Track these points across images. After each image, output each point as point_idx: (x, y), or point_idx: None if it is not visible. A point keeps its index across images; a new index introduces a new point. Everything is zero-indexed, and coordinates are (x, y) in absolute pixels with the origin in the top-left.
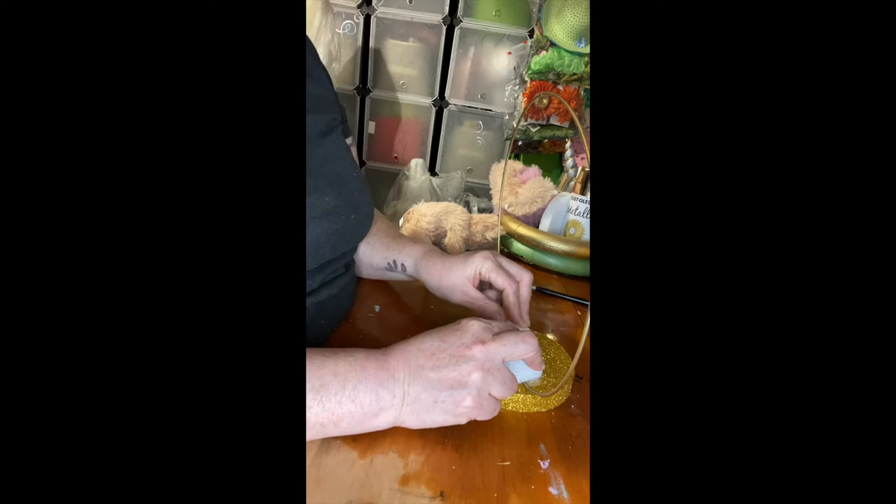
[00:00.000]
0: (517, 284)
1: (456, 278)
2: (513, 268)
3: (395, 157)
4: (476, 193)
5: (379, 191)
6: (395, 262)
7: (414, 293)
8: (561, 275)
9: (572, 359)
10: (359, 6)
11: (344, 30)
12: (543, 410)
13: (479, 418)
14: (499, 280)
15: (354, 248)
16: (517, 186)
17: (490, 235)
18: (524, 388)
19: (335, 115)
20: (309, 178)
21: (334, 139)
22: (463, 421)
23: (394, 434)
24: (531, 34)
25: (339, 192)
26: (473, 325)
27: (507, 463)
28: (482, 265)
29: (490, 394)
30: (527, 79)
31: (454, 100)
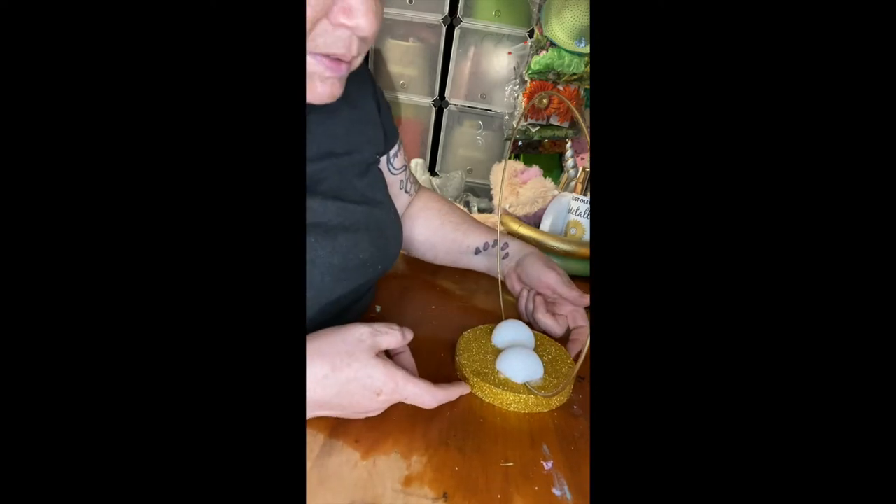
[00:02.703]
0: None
1: (548, 275)
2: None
3: None
4: (476, 193)
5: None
6: (489, 243)
7: (415, 293)
8: None
9: (571, 358)
10: None
11: None
12: (545, 411)
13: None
14: (571, 294)
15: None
16: (518, 186)
17: None
18: (526, 388)
19: (375, 151)
20: (345, 234)
21: (372, 178)
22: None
23: (396, 435)
24: (531, 34)
25: (376, 243)
26: (377, 377)
27: (511, 464)
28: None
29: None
30: (527, 79)
31: (454, 100)
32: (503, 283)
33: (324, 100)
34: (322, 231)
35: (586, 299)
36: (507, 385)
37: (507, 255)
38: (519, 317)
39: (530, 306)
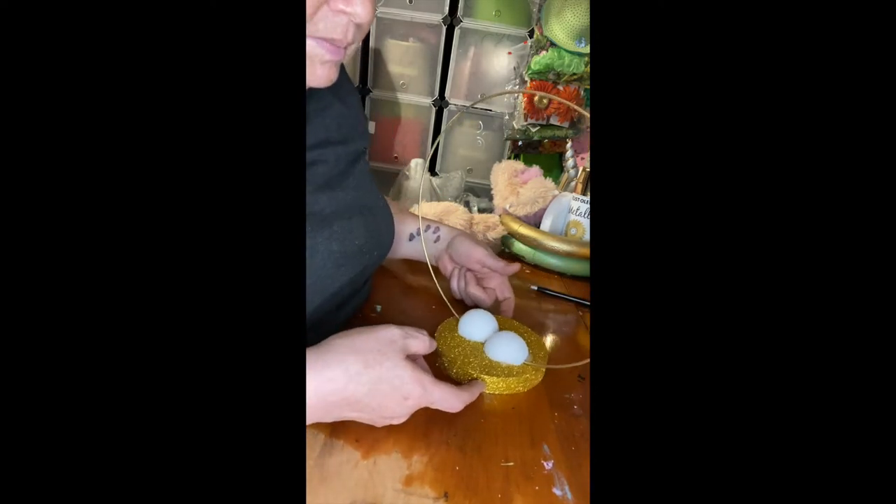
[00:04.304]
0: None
1: (476, 250)
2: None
3: (395, 157)
4: (476, 193)
5: (379, 191)
6: (424, 228)
7: (415, 294)
8: (562, 275)
9: (525, 326)
10: None
11: None
12: (537, 382)
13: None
14: (497, 265)
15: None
16: (518, 186)
17: (491, 235)
18: (530, 367)
19: (363, 144)
20: (340, 220)
21: (361, 167)
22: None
23: (397, 434)
24: (531, 34)
25: (368, 227)
26: (406, 380)
27: (511, 463)
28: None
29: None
30: (527, 79)
31: (454, 100)
32: (435, 268)
33: (322, 83)
34: (318, 219)
35: (511, 268)
36: (513, 372)
37: (438, 239)
38: (451, 295)
39: (462, 283)
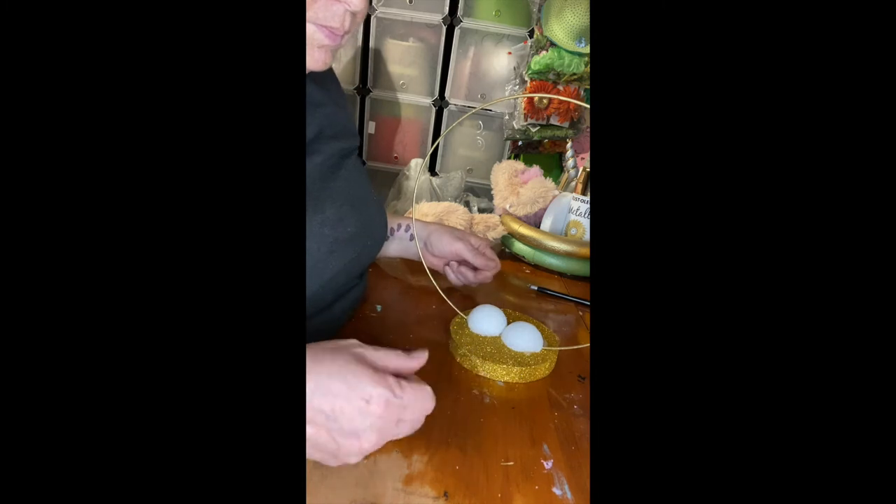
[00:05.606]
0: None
1: (455, 245)
2: (488, 252)
3: (395, 157)
4: (476, 193)
5: (379, 191)
6: (398, 225)
7: (415, 293)
8: (562, 275)
9: (524, 314)
10: None
11: None
12: (545, 376)
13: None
14: (478, 261)
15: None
16: (518, 186)
17: (491, 235)
18: (550, 351)
19: (354, 143)
20: (332, 206)
21: (354, 163)
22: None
23: None
24: (531, 34)
25: (360, 217)
26: (363, 377)
27: (511, 463)
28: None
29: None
30: (527, 79)
31: (454, 100)
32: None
33: (319, 66)
34: (312, 204)
35: (493, 263)
36: (539, 359)
37: (411, 237)
38: (452, 286)
39: (461, 277)
